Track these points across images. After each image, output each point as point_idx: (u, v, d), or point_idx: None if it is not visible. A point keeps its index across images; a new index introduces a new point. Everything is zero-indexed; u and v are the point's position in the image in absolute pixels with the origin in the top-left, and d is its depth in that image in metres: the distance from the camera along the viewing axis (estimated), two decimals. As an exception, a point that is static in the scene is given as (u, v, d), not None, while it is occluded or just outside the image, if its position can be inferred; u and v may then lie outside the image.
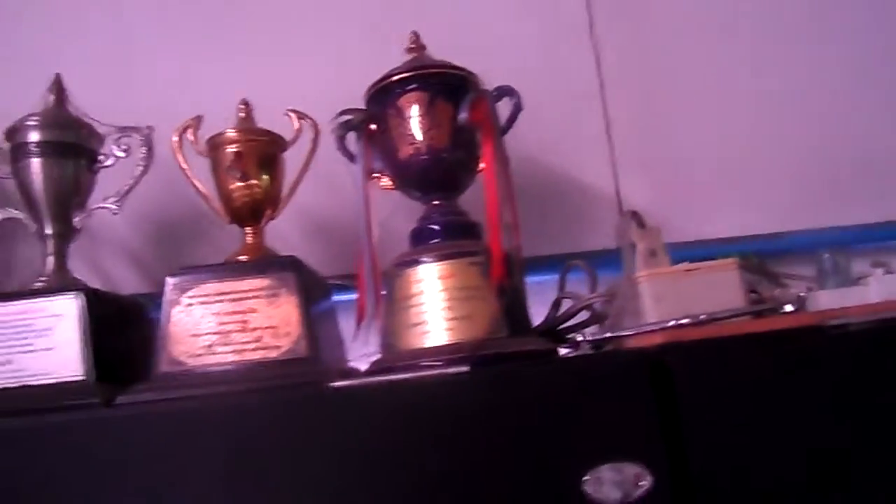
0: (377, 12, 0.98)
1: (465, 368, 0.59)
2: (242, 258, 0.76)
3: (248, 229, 0.78)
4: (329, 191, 0.89)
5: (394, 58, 0.76)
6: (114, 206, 0.81)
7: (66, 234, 0.80)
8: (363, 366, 0.72)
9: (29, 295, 0.73)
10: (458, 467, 0.56)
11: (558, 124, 0.90)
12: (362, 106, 0.77)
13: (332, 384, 0.59)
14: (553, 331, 0.75)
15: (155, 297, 0.72)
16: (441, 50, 0.77)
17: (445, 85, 0.74)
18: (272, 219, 0.79)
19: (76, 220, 0.80)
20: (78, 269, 0.80)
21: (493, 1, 0.97)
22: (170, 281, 0.71)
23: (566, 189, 0.88)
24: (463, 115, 0.73)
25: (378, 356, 0.72)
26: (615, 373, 0.57)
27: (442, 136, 0.74)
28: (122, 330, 0.76)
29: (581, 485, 0.54)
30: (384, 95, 0.76)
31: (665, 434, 0.55)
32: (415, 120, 0.74)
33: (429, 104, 0.73)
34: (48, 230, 0.79)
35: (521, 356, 0.65)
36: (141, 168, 0.81)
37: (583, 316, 0.76)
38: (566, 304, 0.78)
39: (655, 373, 0.56)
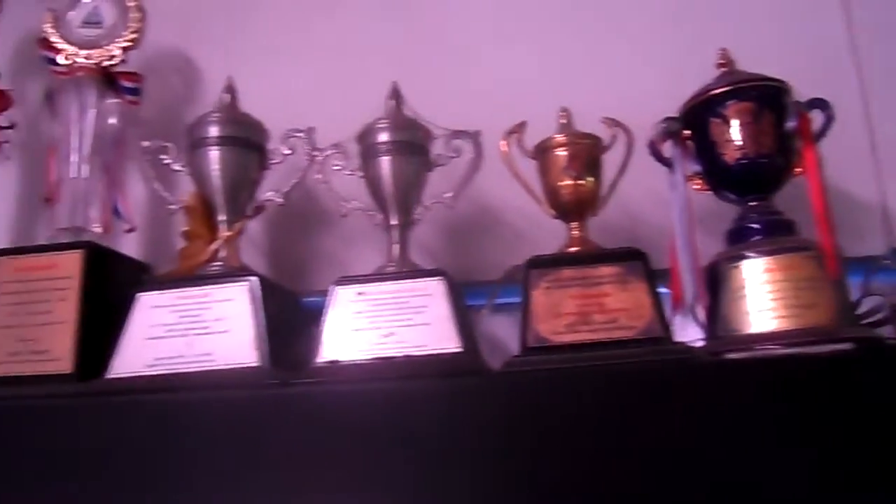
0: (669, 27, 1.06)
1: (846, 346, 0.67)
2: (573, 249, 0.85)
3: (574, 224, 0.87)
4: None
5: (685, 71, 0.84)
6: (449, 202, 0.91)
7: (407, 224, 0.90)
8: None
9: (393, 277, 0.83)
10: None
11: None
12: (652, 114, 0.85)
13: (729, 356, 0.67)
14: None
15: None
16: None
17: (767, 95, 0.82)
18: (594, 215, 0.88)
19: (416, 213, 0.90)
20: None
21: (759, 21, 1.05)
22: (532, 271, 0.80)
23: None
24: (791, 124, 0.81)
25: (710, 339, 0.79)
26: None
27: (767, 143, 0.81)
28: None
29: None
30: (705, 106, 0.84)
31: None
32: (742, 128, 0.82)
33: (756, 113, 0.81)
34: (393, 221, 0.89)
35: (866, 342, 0.73)
36: (470, 168, 0.90)
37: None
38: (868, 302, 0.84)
39: None
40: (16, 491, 0.76)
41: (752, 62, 0.85)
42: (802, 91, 0.83)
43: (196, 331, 0.82)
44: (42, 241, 0.94)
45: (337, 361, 0.80)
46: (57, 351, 0.85)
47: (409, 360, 0.78)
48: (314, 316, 0.90)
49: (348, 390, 0.77)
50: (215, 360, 0.80)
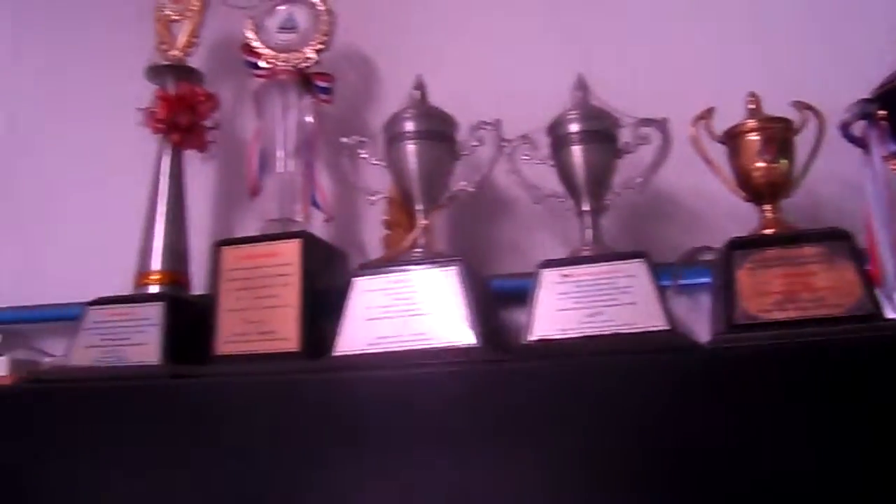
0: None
1: None
2: (770, 231, 0.87)
3: (767, 207, 0.89)
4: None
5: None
6: (638, 187, 0.94)
7: (599, 210, 0.94)
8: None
9: (596, 259, 0.88)
10: None
11: None
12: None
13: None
14: None
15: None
16: None
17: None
18: (786, 197, 0.90)
19: (606, 199, 0.95)
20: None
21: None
22: (735, 252, 0.83)
23: None
24: None
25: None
26: None
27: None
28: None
29: None
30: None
31: None
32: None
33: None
34: (585, 207, 0.94)
35: None
36: (659, 154, 0.94)
37: None
38: None
39: None
40: (249, 461, 0.84)
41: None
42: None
43: (410, 312, 0.89)
44: (253, 233, 1.02)
45: (547, 339, 0.85)
46: (283, 331, 0.93)
47: (618, 336, 0.82)
48: (502, 298, 0.97)
49: (557, 367, 0.82)
50: (431, 340, 0.87)
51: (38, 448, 0.89)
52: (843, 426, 0.70)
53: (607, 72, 0.99)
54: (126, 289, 1.04)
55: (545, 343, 0.84)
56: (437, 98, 1.00)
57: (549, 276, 0.88)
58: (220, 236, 1.14)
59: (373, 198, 1.02)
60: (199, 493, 0.85)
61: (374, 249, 1.09)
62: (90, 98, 1.35)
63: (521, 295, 0.96)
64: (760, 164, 0.89)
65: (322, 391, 0.87)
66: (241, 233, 1.11)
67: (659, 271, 0.89)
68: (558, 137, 0.95)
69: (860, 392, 0.71)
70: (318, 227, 1.07)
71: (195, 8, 1.13)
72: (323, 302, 0.95)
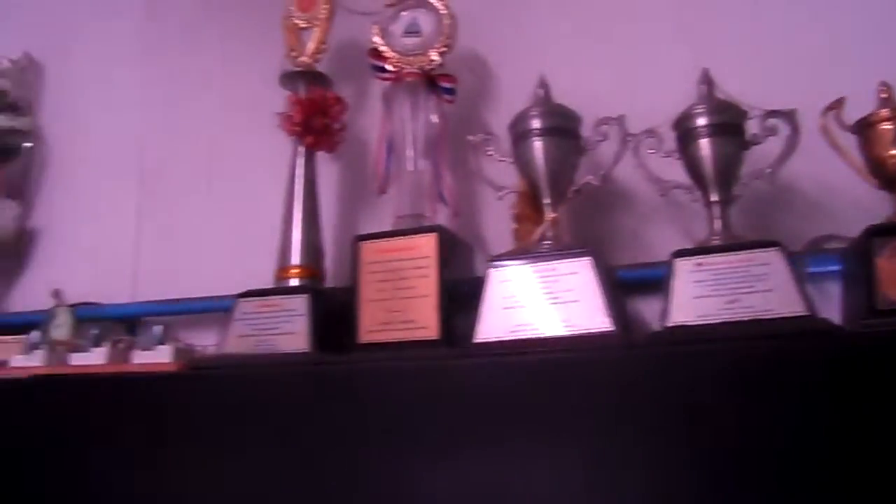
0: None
1: None
2: (902, 218, 0.89)
3: (900, 194, 0.90)
4: None
5: None
6: (767, 178, 0.97)
7: (728, 200, 0.97)
8: None
9: (731, 248, 0.90)
10: None
11: None
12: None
13: None
14: None
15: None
16: None
17: None
18: (918, 186, 0.91)
19: (735, 190, 0.97)
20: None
21: None
22: (875, 240, 0.85)
23: None
24: None
25: None
26: None
27: None
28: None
29: None
30: None
31: None
32: None
33: None
34: (714, 198, 0.96)
35: None
36: (788, 146, 0.96)
37: None
38: None
39: None
40: (395, 445, 0.89)
41: None
42: None
43: (548, 300, 0.93)
44: (379, 228, 1.08)
45: (686, 324, 0.88)
46: (423, 320, 0.99)
47: (758, 322, 0.85)
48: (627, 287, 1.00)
49: (696, 350, 0.85)
50: (570, 327, 0.91)
51: (204, 429, 0.96)
52: None
53: (731, 67, 1.01)
54: (257, 283, 1.11)
55: (684, 329, 0.87)
56: (559, 96, 1.04)
57: (683, 266, 0.91)
58: (346, 232, 1.20)
59: (501, 193, 1.06)
60: (346, 471, 0.91)
61: (497, 243, 1.13)
62: (225, 101, 1.43)
63: (645, 284, 1.00)
64: (895, 153, 0.90)
65: (467, 376, 0.92)
66: (365, 228, 1.17)
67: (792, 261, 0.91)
68: (687, 131, 0.97)
69: None
70: (444, 221, 1.12)
71: (323, 16, 1.19)
72: (456, 292, 1.00)
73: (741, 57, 1.11)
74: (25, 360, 1.16)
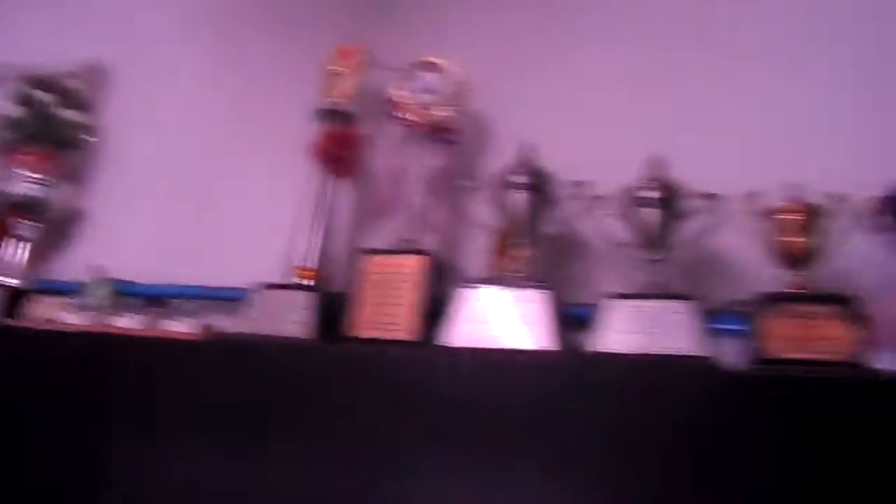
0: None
1: None
2: (793, 290, 1.13)
3: (795, 272, 1.15)
4: None
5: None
6: (691, 245, 1.21)
7: (660, 260, 1.21)
8: None
9: (659, 296, 1.14)
10: None
11: None
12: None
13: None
14: None
15: None
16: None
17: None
18: (812, 266, 1.15)
19: (665, 252, 1.21)
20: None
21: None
22: (764, 303, 1.09)
23: None
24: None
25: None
26: None
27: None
28: None
29: None
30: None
31: None
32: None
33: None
34: (648, 256, 1.21)
35: None
36: (709, 223, 1.20)
37: None
38: None
39: None
40: (372, 423, 1.13)
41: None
42: None
43: (507, 320, 1.17)
44: (379, 246, 1.33)
45: (607, 351, 1.12)
46: (405, 324, 1.22)
47: (666, 357, 1.09)
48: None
49: (607, 373, 1.08)
50: (522, 343, 1.15)
51: (216, 391, 1.20)
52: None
53: (677, 150, 1.26)
54: (265, 276, 1.36)
55: (604, 356, 1.11)
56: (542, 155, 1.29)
57: (611, 305, 1.15)
58: (349, 246, 1.45)
59: (481, 229, 1.31)
60: (326, 434, 1.15)
61: (474, 269, 1.37)
62: (264, 129, 1.69)
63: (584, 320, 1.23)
64: (793, 239, 1.14)
65: (429, 370, 1.15)
66: (365, 245, 1.42)
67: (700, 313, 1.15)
68: (633, 200, 1.22)
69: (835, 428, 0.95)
70: (434, 246, 1.36)
71: (356, 65, 1.45)
72: (435, 305, 1.24)
73: (695, 142, 1.35)
74: (72, 317, 1.40)
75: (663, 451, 0.98)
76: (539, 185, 1.27)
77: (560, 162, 1.31)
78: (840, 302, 1.07)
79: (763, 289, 1.15)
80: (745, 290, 1.19)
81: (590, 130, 1.43)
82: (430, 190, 1.37)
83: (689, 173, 1.24)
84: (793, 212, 1.16)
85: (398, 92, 1.41)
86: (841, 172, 1.20)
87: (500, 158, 1.34)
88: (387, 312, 1.23)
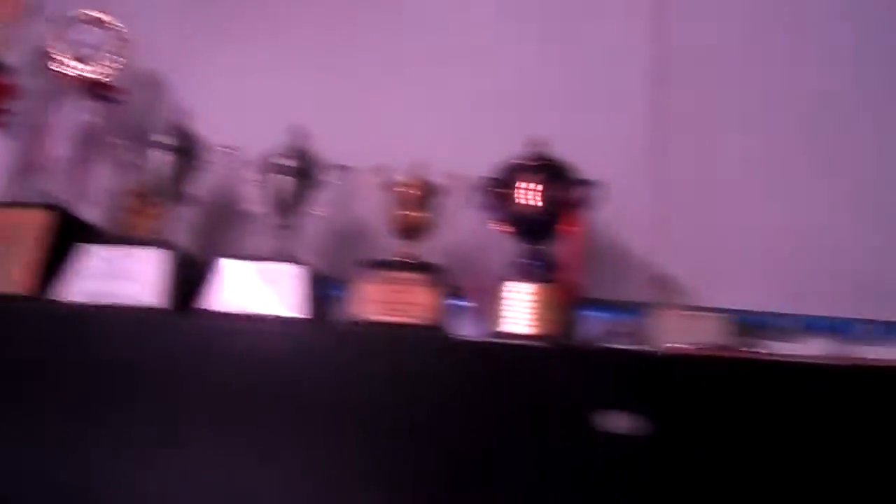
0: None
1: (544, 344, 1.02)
2: (395, 259, 1.21)
3: (405, 242, 1.22)
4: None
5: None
6: (322, 213, 1.26)
7: (290, 226, 1.25)
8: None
9: (281, 259, 1.18)
10: None
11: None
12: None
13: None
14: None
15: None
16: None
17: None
18: (422, 238, 1.24)
19: (293, 218, 1.26)
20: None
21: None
22: (365, 269, 1.16)
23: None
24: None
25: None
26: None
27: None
28: None
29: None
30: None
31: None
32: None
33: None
34: (281, 221, 1.24)
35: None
36: (336, 194, 1.26)
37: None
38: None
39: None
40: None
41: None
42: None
43: (117, 276, 1.16)
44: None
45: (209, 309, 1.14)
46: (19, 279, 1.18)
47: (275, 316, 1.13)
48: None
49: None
50: (129, 300, 1.14)
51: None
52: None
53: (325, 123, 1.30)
54: None
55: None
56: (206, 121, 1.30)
57: (225, 265, 1.17)
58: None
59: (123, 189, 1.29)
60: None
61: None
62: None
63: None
64: (408, 212, 1.22)
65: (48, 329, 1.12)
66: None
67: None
68: (271, 167, 1.25)
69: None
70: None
71: (13, 13, 1.38)
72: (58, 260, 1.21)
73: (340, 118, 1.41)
74: None
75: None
76: (185, 148, 1.27)
77: (215, 127, 1.31)
78: (427, 270, 1.15)
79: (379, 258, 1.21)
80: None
81: (247, 98, 1.45)
82: (80, 147, 1.32)
83: (334, 147, 1.28)
84: (411, 187, 1.23)
85: (55, 44, 1.35)
86: (467, 154, 1.30)
87: (160, 120, 1.31)
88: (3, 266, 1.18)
